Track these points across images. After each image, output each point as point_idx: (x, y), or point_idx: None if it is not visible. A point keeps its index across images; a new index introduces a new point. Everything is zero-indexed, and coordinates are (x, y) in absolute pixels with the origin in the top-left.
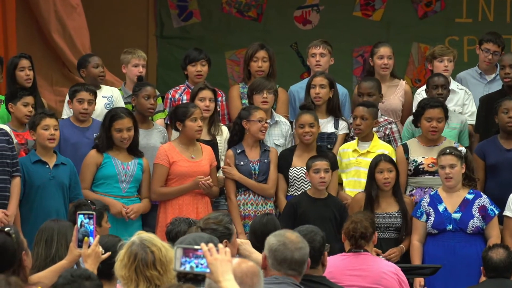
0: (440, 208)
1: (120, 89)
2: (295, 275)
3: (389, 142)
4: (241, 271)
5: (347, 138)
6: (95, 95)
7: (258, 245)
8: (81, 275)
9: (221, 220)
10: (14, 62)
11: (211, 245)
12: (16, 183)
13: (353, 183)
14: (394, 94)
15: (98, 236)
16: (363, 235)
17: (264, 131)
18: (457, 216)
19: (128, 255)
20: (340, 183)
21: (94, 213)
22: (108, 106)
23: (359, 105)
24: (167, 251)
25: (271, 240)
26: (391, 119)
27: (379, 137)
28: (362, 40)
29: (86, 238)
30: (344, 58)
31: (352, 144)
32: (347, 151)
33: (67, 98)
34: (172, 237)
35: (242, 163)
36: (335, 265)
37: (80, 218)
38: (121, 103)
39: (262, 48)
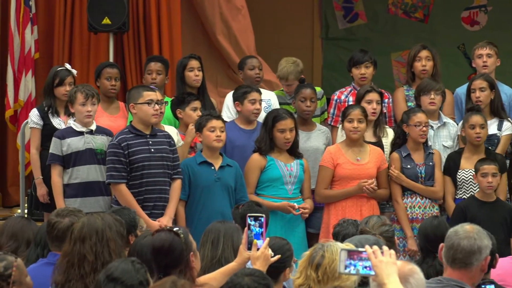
0: None
1: (282, 90)
2: (461, 268)
3: None
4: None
5: None
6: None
7: (431, 249)
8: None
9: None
10: (184, 62)
11: (375, 247)
12: (177, 186)
13: None
14: None
15: (267, 239)
16: None
17: (423, 135)
18: None
19: (311, 249)
20: None
21: (263, 215)
22: (267, 109)
23: None
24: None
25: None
26: None
27: None
28: None
29: (255, 240)
30: None
31: None
32: None
33: (228, 101)
34: (339, 239)
35: (409, 166)
36: (505, 267)
37: (250, 221)
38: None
39: (425, 48)
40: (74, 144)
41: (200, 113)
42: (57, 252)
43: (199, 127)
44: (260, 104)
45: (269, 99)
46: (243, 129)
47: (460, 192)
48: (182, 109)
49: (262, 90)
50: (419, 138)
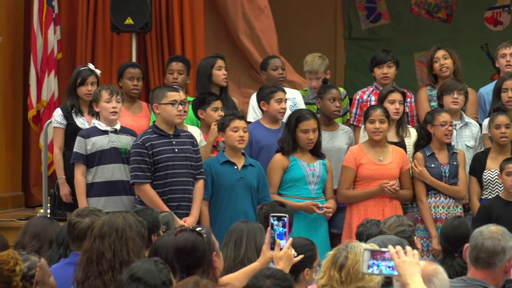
0: None
1: (305, 90)
2: (485, 268)
3: None
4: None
5: None
6: None
7: (451, 249)
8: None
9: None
10: (212, 61)
11: (398, 247)
12: (200, 186)
13: None
14: None
15: (291, 239)
16: None
17: (449, 134)
18: None
19: (335, 249)
20: None
21: (287, 215)
22: (292, 108)
23: None
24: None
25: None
26: None
27: None
28: None
29: (278, 240)
30: None
31: None
32: None
33: (253, 101)
34: (363, 239)
35: (433, 165)
36: None
37: (273, 220)
38: (302, 106)
39: (440, 48)
40: (99, 142)
41: (221, 113)
42: (79, 252)
43: (222, 127)
44: (285, 103)
45: (294, 98)
46: (269, 129)
47: (486, 193)
48: (203, 109)
49: (286, 89)
50: (445, 138)
